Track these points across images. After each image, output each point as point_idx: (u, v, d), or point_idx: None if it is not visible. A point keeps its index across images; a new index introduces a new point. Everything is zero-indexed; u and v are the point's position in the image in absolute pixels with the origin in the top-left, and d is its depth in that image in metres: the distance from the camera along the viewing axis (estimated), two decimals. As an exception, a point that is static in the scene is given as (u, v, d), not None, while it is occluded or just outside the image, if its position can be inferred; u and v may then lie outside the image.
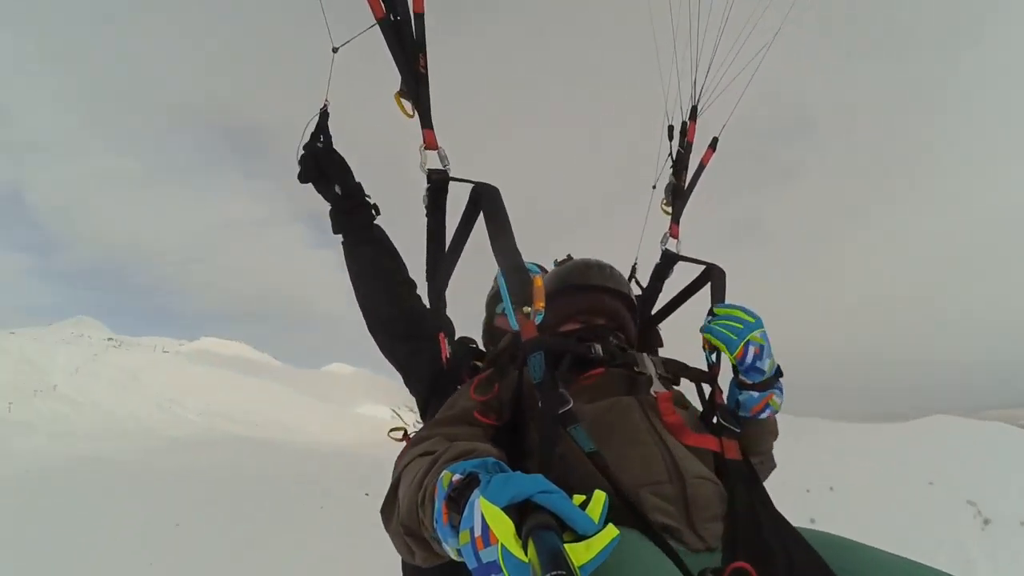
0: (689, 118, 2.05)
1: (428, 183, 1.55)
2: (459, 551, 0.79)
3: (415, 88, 1.53)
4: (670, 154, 2.06)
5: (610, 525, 0.76)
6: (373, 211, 1.78)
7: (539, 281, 1.28)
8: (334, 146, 1.79)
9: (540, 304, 1.26)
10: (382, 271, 1.74)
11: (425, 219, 1.60)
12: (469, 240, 1.56)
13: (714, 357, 1.45)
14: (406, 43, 1.54)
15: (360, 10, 1.57)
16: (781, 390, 1.42)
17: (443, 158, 1.54)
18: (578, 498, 0.79)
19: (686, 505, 1.12)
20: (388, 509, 1.13)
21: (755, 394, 1.39)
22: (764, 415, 1.41)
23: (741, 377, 1.40)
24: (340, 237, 1.79)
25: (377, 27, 1.53)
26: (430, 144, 1.52)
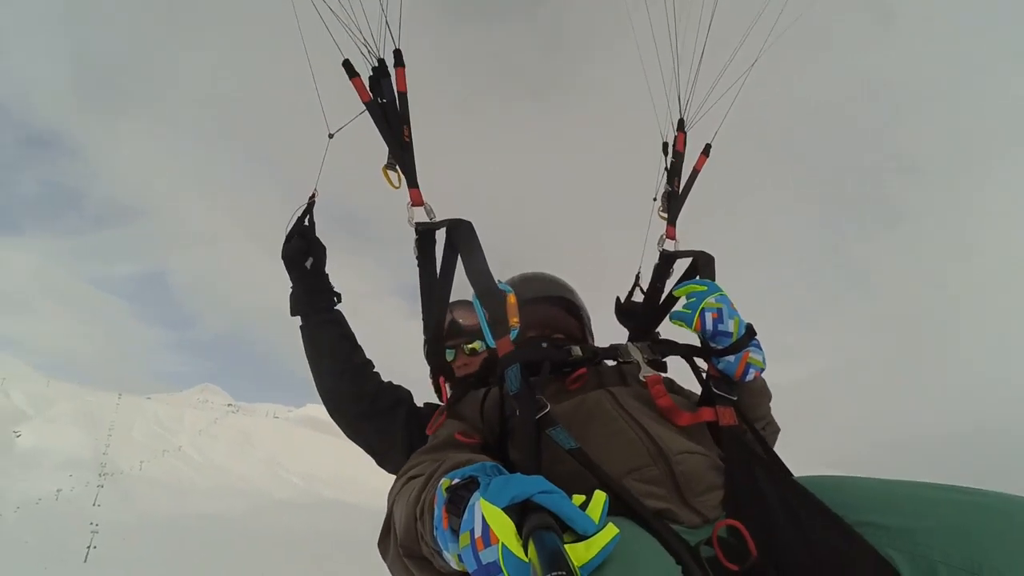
0: (677, 129, 2.15)
1: (416, 235, 1.65)
2: (459, 556, 0.79)
3: (400, 155, 1.70)
4: (666, 168, 2.13)
5: (610, 524, 0.76)
6: (335, 297, 1.88)
7: (512, 298, 1.34)
8: (316, 234, 1.91)
9: (515, 320, 1.32)
10: (340, 353, 1.81)
11: (417, 269, 1.69)
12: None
13: (701, 336, 1.47)
14: (391, 119, 1.72)
15: (351, 95, 1.74)
16: (758, 346, 1.43)
17: (429, 211, 1.66)
18: (578, 498, 0.79)
19: (675, 484, 1.13)
20: (384, 539, 1.14)
21: (731, 358, 1.40)
22: (749, 376, 1.40)
23: (712, 345, 1.42)
24: (299, 320, 1.85)
25: (367, 112, 1.73)
26: (416, 202, 1.66)
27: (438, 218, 1.64)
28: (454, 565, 0.87)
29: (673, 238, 1.98)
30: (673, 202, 2.04)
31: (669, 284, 1.84)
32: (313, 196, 1.89)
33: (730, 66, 2.09)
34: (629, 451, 1.19)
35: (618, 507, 1.00)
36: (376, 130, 1.73)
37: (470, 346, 2.06)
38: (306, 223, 1.88)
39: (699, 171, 2.13)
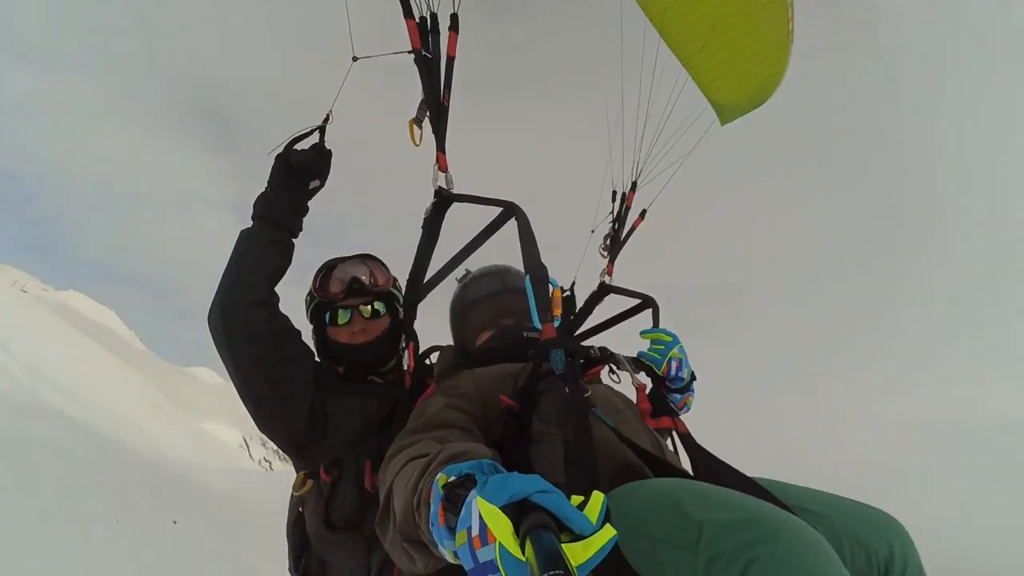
0: (629, 189, 2.79)
1: (435, 198, 1.68)
2: (455, 553, 0.79)
3: (436, 117, 1.70)
4: (611, 212, 2.78)
5: (607, 525, 0.75)
6: (300, 228, 1.77)
7: (557, 292, 1.51)
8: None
9: (558, 311, 1.50)
10: (270, 282, 1.66)
11: (421, 230, 1.72)
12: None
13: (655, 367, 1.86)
14: (434, 76, 1.72)
15: (383, 33, 1.71)
16: (694, 391, 1.95)
17: (449, 181, 1.69)
18: (576, 499, 0.78)
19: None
20: (383, 522, 1.16)
21: (677, 396, 1.89)
22: (684, 411, 1.93)
23: (667, 384, 1.84)
24: (252, 223, 1.70)
25: (408, 56, 1.71)
26: (442, 166, 1.68)
27: (455, 190, 1.68)
28: (450, 560, 0.87)
29: (611, 275, 2.59)
30: (614, 245, 2.72)
31: (597, 310, 2.51)
32: (328, 117, 1.83)
33: (672, 149, 2.82)
34: (640, 438, 1.48)
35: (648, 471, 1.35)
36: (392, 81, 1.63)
37: (370, 308, 1.88)
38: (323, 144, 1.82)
39: (635, 229, 2.84)
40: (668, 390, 1.84)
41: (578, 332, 2.29)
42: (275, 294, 1.68)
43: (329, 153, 1.80)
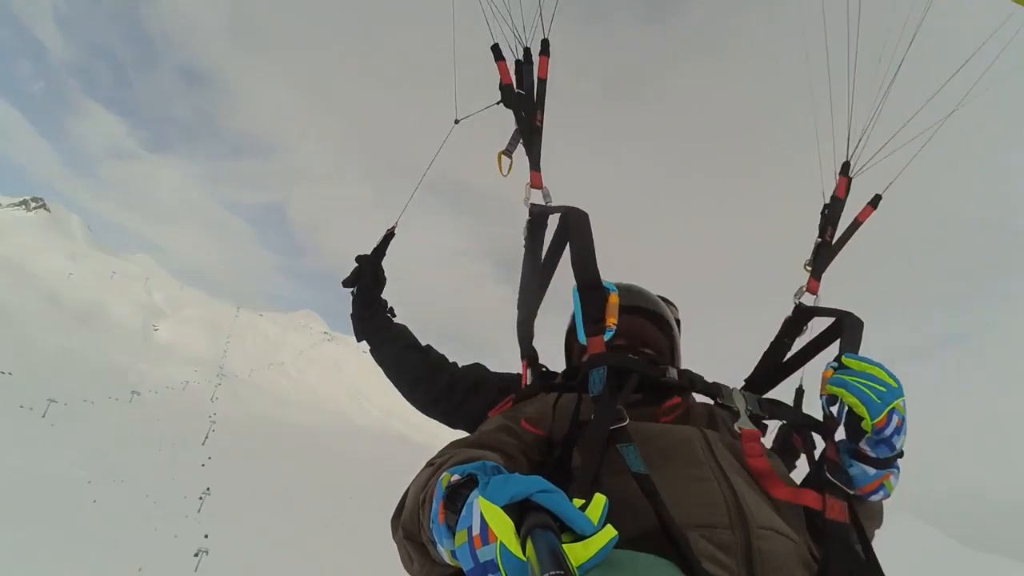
0: (840, 173, 1.90)
1: (529, 216, 1.66)
2: (453, 553, 0.79)
3: (529, 138, 1.74)
4: (822, 211, 1.88)
5: (608, 526, 0.75)
6: (389, 314, 2.02)
7: (614, 298, 1.29)
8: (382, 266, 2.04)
9: (612, 320, 1.26)
10: (408, 365, 1.94)
11: (523, 250, 1.69)
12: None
13: (833, 410, 1.27)
14: (526, 104, 1.76)
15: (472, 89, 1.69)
16: (898, 471, 1.23)
17: (546, 196, 1.67)
18: (578, 501, 0.78)
19: (749, 560, 0.97)
20: (395, 518, 1.12)
21: (871, 470, 1.21)
22: (876, 496, 1.23)
23: (865, 447, 1.20)
24: (366, 343, 2.02)
25: (498, 106, 1.78)
26: (536, 184, 1.69)
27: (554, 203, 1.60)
28: (446, 559, 0.87)
29: (815, 292, 1.79)
30: (822, 253, 1.83)
31: (799, 342, 1.72)
32: (393, 228, 2.00)
33: (923, 112, 1.74)
34: (705, 503, 1.04)
35: (672, 555, 0.91)
36: (492, 117, 1.80)
37: None
38: (378, 256, 2.05)
39: (861, 223, 1.91)
40: (861, 457, 1.22)
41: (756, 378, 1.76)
42: (420, 369, 1.92)
43: (377, 262, 2.02)
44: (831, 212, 1.87)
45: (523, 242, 1.72)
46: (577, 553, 0.70)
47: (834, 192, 1.90)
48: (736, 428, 1.27)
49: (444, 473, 0.89)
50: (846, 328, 1.47)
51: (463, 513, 0.78)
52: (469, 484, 0.83)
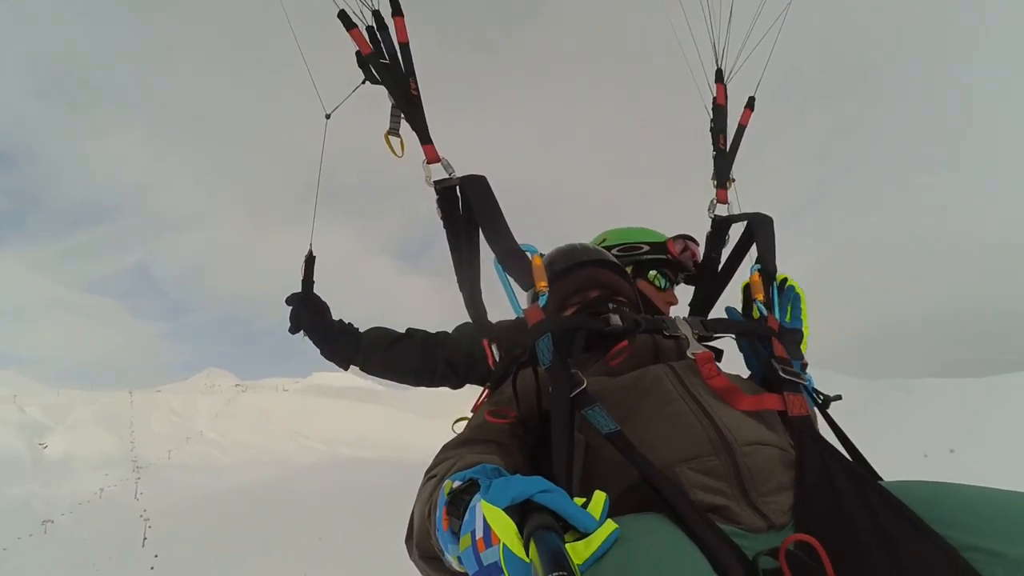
0: (716, 80, 1.96)
1: (436, 194, 1.53)
2: (459, 558, 0.80)
3: (409, 111, 1.59)
4: (710, 123, 1.92)
5: (609, 520, 0.76)
6: (352, 337, 1.98)
7: (537, 260, 1.25)
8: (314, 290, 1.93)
9: (543, 284, 1.21)
10: (399, 367, 1.99)
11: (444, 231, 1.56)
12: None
13: (765, 309, 1.39)
14: (395, 73, 1.60)
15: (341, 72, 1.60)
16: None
17: (447, 167, 1.54)
18: (579, 500, 0.79)
19: (739, 478, 1.00)
20: (408, 539, 1.10)
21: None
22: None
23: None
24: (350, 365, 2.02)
25: (363, 86, 1.64)
26: (432, 158, 1.55)
27: (457, 174, 1.51)
28: (455, 566, 0.87)
29: (725, 202, 1.82)
30: (720, 162, 1.86)
31: (725, 253, 1.76)
32: (310, 252, 1.91)
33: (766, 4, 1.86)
34: (685, 436, 1.06)
35: (659, 501, 0.93)
36: (364, 97, 1.67)
37: None
38: (308, 288, 1.92)
39: (745, 126, 1.96)
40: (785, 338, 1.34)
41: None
42: (410, 367, 1.97)
43: (307, 295, 1.90)
44: (717, 120, 1.94)
45: (441, 223, 1.62)
46: (579, 551, 0.73)
47: (714, 100, 1.95)
48: (689, 355, 1.28)
49: (446, 481, 0.89)
50: (758, 228, 1.59)
51: (466, 517, 0.79)
52: (471, 489, 0.84)
